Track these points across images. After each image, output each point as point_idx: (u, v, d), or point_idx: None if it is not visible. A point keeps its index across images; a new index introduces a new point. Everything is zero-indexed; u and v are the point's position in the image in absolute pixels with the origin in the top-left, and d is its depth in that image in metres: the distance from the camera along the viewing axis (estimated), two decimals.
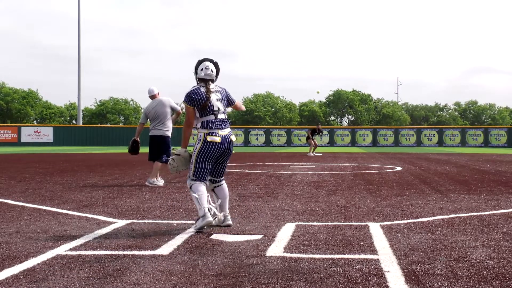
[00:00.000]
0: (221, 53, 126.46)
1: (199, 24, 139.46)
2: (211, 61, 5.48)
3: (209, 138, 5.22)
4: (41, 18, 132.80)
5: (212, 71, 5.40)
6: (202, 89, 5.33)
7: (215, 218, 5.32)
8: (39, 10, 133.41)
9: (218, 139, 5.23)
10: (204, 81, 5.39)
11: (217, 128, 5.26)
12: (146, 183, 9.88)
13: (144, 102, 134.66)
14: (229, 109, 5.77)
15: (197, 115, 5.32)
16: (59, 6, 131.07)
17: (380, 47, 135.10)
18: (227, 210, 5.45)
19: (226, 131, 5.32)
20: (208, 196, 5.33)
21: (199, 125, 5.34)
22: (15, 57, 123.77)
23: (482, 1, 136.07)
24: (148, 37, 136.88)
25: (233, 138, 5.42)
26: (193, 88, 5.35)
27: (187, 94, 5.34)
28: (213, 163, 5.36)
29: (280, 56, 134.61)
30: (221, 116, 5.34)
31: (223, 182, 5.52)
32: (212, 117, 5.29)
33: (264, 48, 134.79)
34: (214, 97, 5.32)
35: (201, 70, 5.39)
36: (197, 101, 5.26)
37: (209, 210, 5.23)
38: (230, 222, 5.39)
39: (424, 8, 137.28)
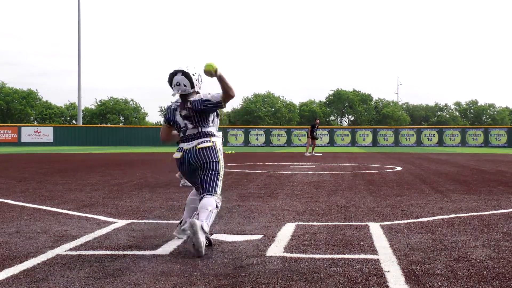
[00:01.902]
0: (221, 52, 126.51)
1: (199, 23, 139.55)
2: (183, 72, 4.86)
3: (174, 155, 4.98)
4: (41, 17, 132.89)
5: (185, 85, 4.85)
6: (173, 106, 4.99)
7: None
8: (39, 10, 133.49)
9: (178, 155, 4.87)
10: (181, 96, 4.96)
11: (182, 142, 4.92)
12: (180, 185, 9.64)
13: (143, 103, 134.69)
14: (214, 121, 5.04)
15: None
16: (59, 6, 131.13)
17: (380, 47, 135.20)
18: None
19: (192, 144, 4.83)
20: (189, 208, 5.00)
21: None
22: (15, 57, 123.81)
23: (481, 1, 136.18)
24: (148, 37, 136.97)
25: (206, 144, 4.80)
26: (167, 106, 5.11)
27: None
28: (193, 177, 4.92)
29: (280, 56, 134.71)
30: (190, 132, 4.88)
31: (206, 196, 4.75)
32: (180, 135, 4.99)
33: (264, 48, 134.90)
34: (178, 115, 4.91)
35: (174, 87, 4.90)
36: (167, 120, 5.04)
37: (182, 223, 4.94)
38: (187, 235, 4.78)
39: (424, 8, 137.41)
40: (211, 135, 4.89)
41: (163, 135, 5.17)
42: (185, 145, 4.85)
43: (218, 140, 4.93)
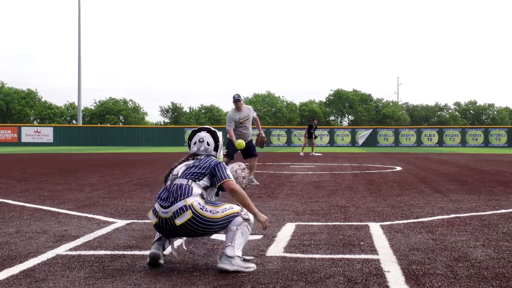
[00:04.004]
0: (222, 53, 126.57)
1: (199, 22, 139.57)
2: (208, 130, 4.31)
3: (149, 218, 3.96)
4: (41, 17, 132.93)
5: (208, 144, 4.24)
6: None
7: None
8: (40, 10, 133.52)
9: (154, 220, 3.87)
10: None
11: (158, 204, 3.86)
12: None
13: (142, 102, 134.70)
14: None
15: None
16: (60, 6, 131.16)
17: (380, 47, 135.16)
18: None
19: (167, 213, 3.77)
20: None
21: None
22: (15, 57, 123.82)
23: (481, 1, 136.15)
24: (147, 37, 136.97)
25: (184, 218, 3.72)
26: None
27: None
28: None
29: (280, 56, 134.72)
30: (177, 181, 3.95)
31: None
32: (168, 183, 4.04)
33: (264, 48, 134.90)
34: (180, 161, 4.21)
35: (194, 143, 4.26)
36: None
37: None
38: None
39: (424, 8, 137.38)
40: (192, 194, 3.85)
41: None
42: (161, 211, 3.80)
43: (198, 191, 3.89)
